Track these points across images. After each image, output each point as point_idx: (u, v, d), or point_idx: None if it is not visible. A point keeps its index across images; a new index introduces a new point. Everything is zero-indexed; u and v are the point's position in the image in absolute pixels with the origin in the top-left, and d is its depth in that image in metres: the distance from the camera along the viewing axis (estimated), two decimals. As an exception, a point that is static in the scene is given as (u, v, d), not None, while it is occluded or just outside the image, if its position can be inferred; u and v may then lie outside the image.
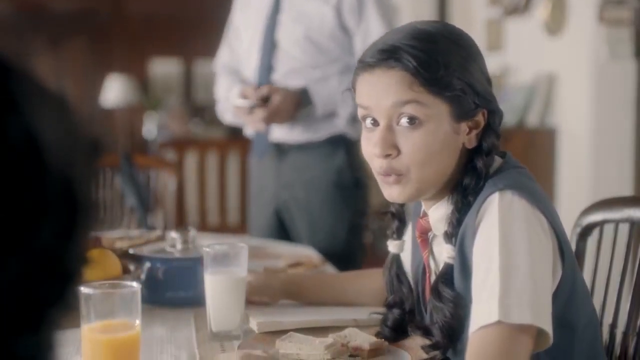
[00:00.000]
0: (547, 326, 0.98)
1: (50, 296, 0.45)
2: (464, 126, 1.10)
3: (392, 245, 1.26)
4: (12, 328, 0.43)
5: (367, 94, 1.11)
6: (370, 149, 1.11)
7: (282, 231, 2.26)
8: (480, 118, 1.11)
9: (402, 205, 1.25)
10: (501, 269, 0.98)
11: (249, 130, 2.33)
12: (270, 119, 2.09)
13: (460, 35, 1.12)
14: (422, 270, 1.22)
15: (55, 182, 0.44)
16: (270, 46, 2.20)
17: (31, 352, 0.45)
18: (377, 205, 2.55)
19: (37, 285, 0.44)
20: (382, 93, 1.08)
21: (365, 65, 1.11)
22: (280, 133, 2.20)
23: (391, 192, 1.11)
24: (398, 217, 1.25)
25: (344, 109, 2.11)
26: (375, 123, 1.11)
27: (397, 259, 1.26)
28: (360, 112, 1.13)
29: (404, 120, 1.08)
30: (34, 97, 0.45)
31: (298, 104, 2.11)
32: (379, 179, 1.12)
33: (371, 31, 2.11)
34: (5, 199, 0.42)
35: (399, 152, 1.08)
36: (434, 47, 1.07)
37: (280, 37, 2.18)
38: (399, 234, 1.25)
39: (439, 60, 1.06)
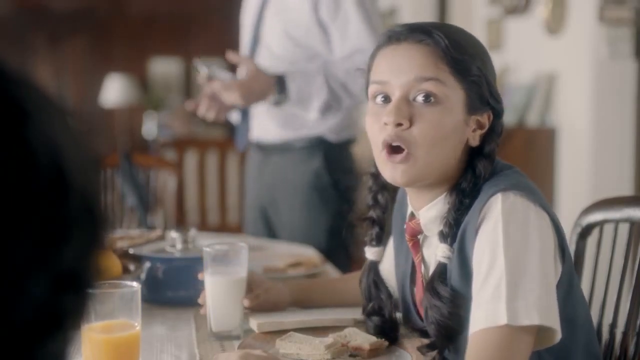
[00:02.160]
0: (555, 324, 0.98)
1: (69, 307, 0.46)
2: (472, 121, 1.11)
3: (370, 252, 1.25)
4: (34, 338, 0.44)
5: (388, 67, 1.11)
6: (377, 123, 1.10)
7: (269, 230, 2.28)
8: (486, 119, 1.12)
9: (383, 212, 1.24)
10: (507, 270, 0.98)
11: (232, 117, 2.31)
12: (231, 93, 1.97)
13: (475, 37, 1.15)
14: (409, 276, 1.22)
15: (77, 198, 0.45)
16: (254, 42, 2.20)
17: (52, 358, 0.46)
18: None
19: (59, 298, 0.45)
20: (405, 66, 1.09)
21: (393, 37, 1.11)
22: (259, 130, 2.22)
23: (394, 173, 1.09)
24: (378, 223, 1.24)
25: (318, 99, 2.07)
26: (387, 100, 1.10)
27: (374, 266, 1.26)
28: (372, 89, 1.13)
29: (420, 97, 1.08)
30: (44, 108, 0.45)
31: (268, 88, 2.03)
32: (382, 157, 1.10)
33: (349, 26, 2.09)
34: (34, 218, 0.43)
35: (410, 125, 1.08)
36: (459, 35, 1.11)
37: (264, 33, 2.18)
38: (378, 240, 1.24)
39: (464, 45, 1.09)
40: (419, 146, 1.07)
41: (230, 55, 2.04)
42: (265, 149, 2.25)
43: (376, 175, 1.22)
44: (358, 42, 2.07)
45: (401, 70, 1.09)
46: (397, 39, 1.10)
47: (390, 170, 1.10)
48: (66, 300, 0.46)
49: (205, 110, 2.07)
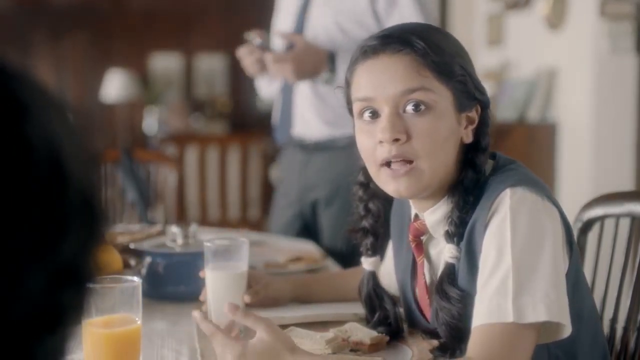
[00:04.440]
0: (564, 319, 0.98)
1: (68, 302, 0.46)
2: (463, 119, 1.10)
3: (367, 263, 1.24)
4: (33, 334, 0.44)
5: (370, 83, 1.07)
6: (371, 140, 1.08)
7: (307, 232, 2.24)
8: (475, 114, 1.11)
9: (376, 221, 1.22)
10: (515, 266, 0.98)
11: (264, 88, 2.27)
12: (283, 66, 1.96)
13: (448, 32, 1.14)
14: (410, 274, 1.21)
15: (76, 193, 0.45)
16: (299, 30, 2.16)
17: (49, 355, 0.46)
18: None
19: (58, 292, 0.45)
20: (388, 80, 1.06)
21: (369, 51, 1.08)
22: (302, 127, 2.17)
23: (398, 186, 1.07)
24: (372, 233, 1.22)
25: None
26: (375, 115, 1.08)
27: (373, 275, 1.24)
28: (358, 106, 1.10)
29: (409, 107, 1.05)
30: (42, 103, 0.45)
31: (320, 64, 2.01)
32: (383, 173, 1.08)
33: (405, 17, 2.04)
34: (33, 212, 0.43)
35: (407, 137, 1.05)
36: (434, 35, 1.09)
37: (310, 21, 2.14)
38: (374, 250, 1.23)
39: (442, 46, 1.07)
40: (421, 157, 1.05)
41: (280, 33, 2.02)
42: (307, 149, 2.18)
43: (366, 185, 1.21)
44: None
45: (385, 84, 1.06)
46: (374, 52, 1.07)
47: (394, 185, 1.07)
48: (65, 295, 0.45)
49: (251, 64, 2.03)
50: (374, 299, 1.24)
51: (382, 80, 1.06)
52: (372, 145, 1.08)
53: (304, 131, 2.18)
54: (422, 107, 1.05)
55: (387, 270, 1.28)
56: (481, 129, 1.11)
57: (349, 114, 1.15)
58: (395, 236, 1.26)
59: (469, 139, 1.10)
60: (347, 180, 2.14)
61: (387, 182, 1.08)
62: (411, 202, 1.17)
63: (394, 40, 1.06)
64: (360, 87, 1.09)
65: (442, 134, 1.06)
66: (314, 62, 1.99)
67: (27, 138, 0.43)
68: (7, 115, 0.42)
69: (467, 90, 1.08)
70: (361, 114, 1.10)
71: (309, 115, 2.15)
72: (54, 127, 0.45)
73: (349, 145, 2.13)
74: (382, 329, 1.22)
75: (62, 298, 0.45)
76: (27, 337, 0.44)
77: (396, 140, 1.05)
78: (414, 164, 1.06)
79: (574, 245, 1.08)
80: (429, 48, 1.05)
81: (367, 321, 1.26)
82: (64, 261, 0.45)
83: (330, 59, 2.01)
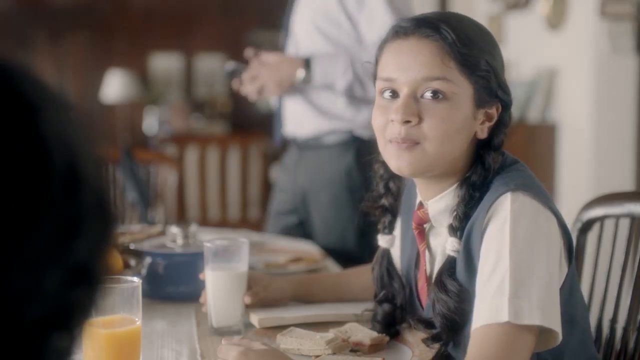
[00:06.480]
0: (557, 326, 0.98)
1: (80, 301, 0.47)
2: (480, 114, 1.10)
3: (382, 240, 1.25)
4: (45, 332, 0.45)
5: (395, 63, 1.09)
6: (384, 117, 1.10)
7: (301, 232, 2.24)
8: (494, 111, 1.11)
9: (395, 199, 1.24)
10: (512, 269, 0.98)
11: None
12: (261, 84, 2.06)
13: (484, 27, 1.14)
14: (414, 262, 1.22)
15: (89, 193, 0.45)
16: (286, 32, 2.20)
17: (58, 354, 0.46)
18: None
19: (71, 292, 0.46)
20: (413, 63, 1.07)
21: (400, 32, 1.10)
22: (293, 125, 2.19)
23: (400, 163, 1.09)
24: (390, 211, 1.24)
25: (341, 81, 2.08)
26: (394, 95, 1.10)
27: (387, 253, 1.26)
28: (380, 85, 1.12)
29: (427, 94, 1.07)
30: (52, 103, 0.45)
31: (296, 67, 2.07)
32: (389, 147, 1.10)
33: (375, 16, 2.07)
34: (50, 212, 0.43)
35: (419, 121, 1.07)
36: (466, 26, 1.10)
37: (295, 23, 2.18)
38: (391, 228, 1.25)
39: (472, 38, 1.08)
40: (428, 140, 1.07)
41: (247, 52, 2.06)
42: (300, 146, 2.21)
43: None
44: (384, 31, 2.05)
45: (408, 67, 1.08)
46: (405, 34, 1.09)
47: (396, 161, 1.09)
48: (77, 295, 0.46)
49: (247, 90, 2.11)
50: (385, 277, 1.25)
51: (406, 63, 1.08)
52: (384, 122, 1.10)
53: (295, 129, 2.20)
54: (440, 95, 1.07)
55: (393, 251, 1.28)
56: (498, 127, 1.12)
57: (373, 87, 1.16)
58: (404, 222, 1.27)
59: (483, 134, 1.11)
60: (334, 180, 2.17)
61: (391, 157, 1.11)
62: (418, 189, 1.18)
63: (426, 24, 1.08)
64: (385, 67, 1.11)
65: (454, 123, 1.07)
66: (290, 68, 2.07)
67: (42, 138, 0.43)
68: (21, 116, 0.43)
69: (489, 87, 1.09)
70: (382, 92, 1.12)
71: (298, 111, 2.18)
72: (66, 127, 0.45)
73: (336, 145, 2.17)
74: (387, 305, 1.23)
75: (75, 298, 0.46)
76: (39, 336, 0.44)
77: (407, 122, 1.07)
78: (419, 145, 1.07)
79: (572, 253, 1.08)
80: (458, 39, 1.06)
81: (375, 296, 1.27)
82: (78, 261, 0.45)
83: (305, 62, 2.07)
